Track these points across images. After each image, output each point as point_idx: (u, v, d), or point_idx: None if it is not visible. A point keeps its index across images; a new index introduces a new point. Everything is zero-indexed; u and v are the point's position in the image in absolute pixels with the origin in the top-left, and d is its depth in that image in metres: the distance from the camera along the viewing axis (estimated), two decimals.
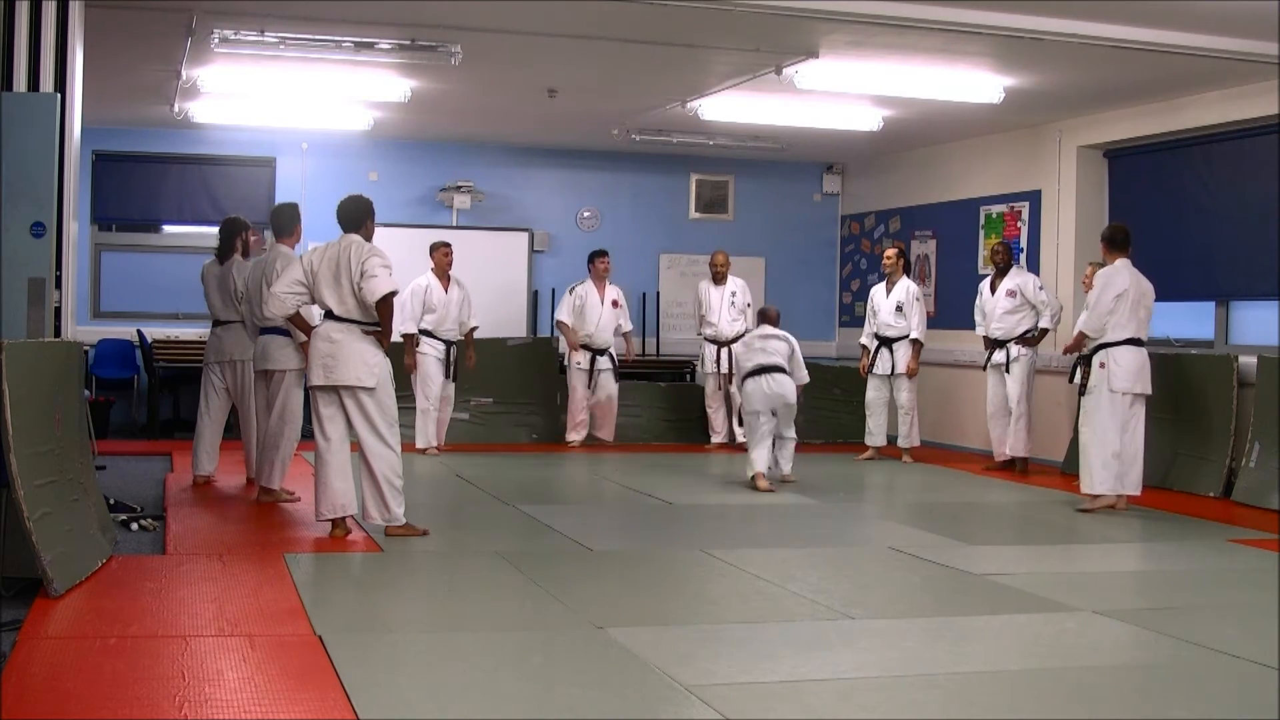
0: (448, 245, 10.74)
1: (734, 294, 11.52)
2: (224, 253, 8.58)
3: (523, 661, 4.61)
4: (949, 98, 9.55)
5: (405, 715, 3.90)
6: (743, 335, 10.29)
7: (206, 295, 8.63)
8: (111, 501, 7.21)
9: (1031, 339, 10.15)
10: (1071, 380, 8.88)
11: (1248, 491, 8.63)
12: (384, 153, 12.65)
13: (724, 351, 11.31)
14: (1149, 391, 8.22)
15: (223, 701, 3.97)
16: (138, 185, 12.32)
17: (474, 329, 10.78)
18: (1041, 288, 10.16)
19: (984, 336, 10.43)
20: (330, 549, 6.57)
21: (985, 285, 10.50)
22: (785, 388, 8.90)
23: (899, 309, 10.80)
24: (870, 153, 13.09)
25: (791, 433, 9.18)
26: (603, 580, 6.03)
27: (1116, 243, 8.29)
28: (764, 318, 9.41)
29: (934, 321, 11.56)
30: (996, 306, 10.23)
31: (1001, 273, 10.33)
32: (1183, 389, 9.25)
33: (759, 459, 8.91)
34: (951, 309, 11.93)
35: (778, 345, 9.04)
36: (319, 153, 12.45)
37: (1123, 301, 8.10)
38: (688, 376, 12.89)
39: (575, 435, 11.41)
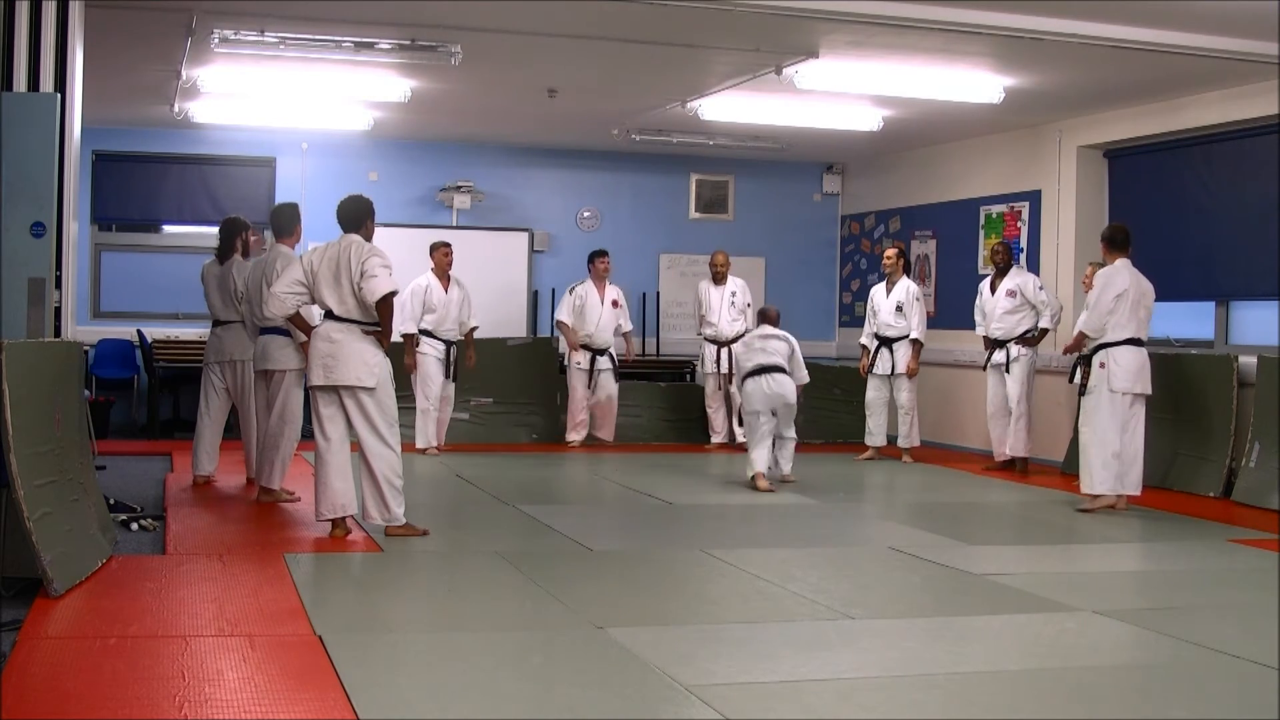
0: (448, 245, 10.74)
1: (734, 294, 11.51)
2: (224, 253, 8.58)
3: (523, 661, 4.61)
4: (949, 98, 9.55)
5: (405, 715, 3.90)
6: (743, 335, 10.29)
7: (206, 295, 8.63)
8: (111, 501, 7.21)
9: (1031, 339, 10.15)
10: (1071, 380, 8.88)
11: (1248, 491, 8.63)
12: (384, 153, 12.66)
13: (724, 351, 11.32)
14: (1149, 391, 8.23)
15: (223, 701, 3.97)
16: (138, 185, 12.32)
17: (474, 329, 10.78)
18: (1041, 288, 10.16)
19: (984, 336, 10.44)
20: (330, 549, 6.57)
21: (985, 285, 10.50)
22: (785, 388, 8.90)
23: (899, 309, 10.80)
24: (870, 153, 13.09)
25: (791, 433, 9.18)
26: (603, 580, 6.03)
27: (1116, 243, 8.29)
28: (764, 317, 9.42)
29: (934, 321, 11.56)
30: (997, 307, 10.23)
31: (1002, 273, 10.33)
32: (1183, 389, 9.25)
33: (759, 459, 8.91)
34: (951, 309, 11.94)
35: (778, 345, 9.05)
36: (319, 153, 12.45)
37: (1123, 301, 8.10)
38: (688, 376, 12.89)
39: (575, 435, 11.41)
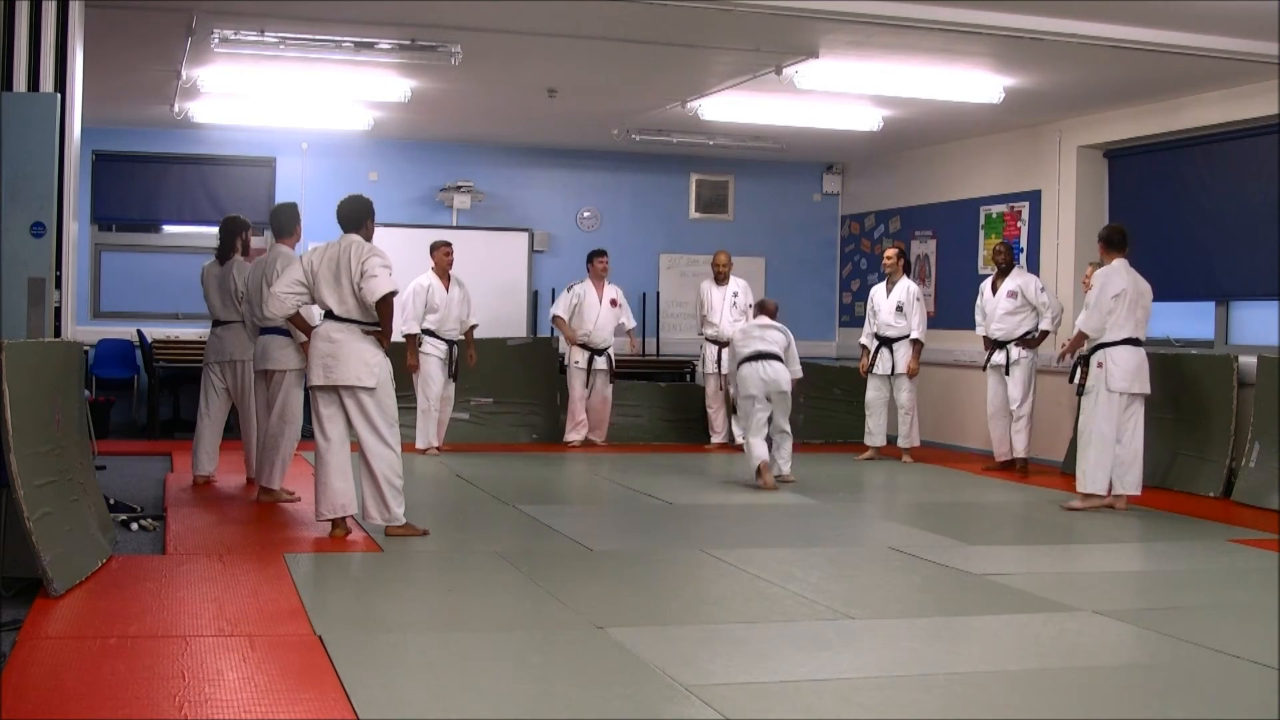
0: (448, 244, 10.74)
1: (736, 294, 11.51)
2: (224, 253, 8.57)
3: (523, 661, 4.61)
4: (949, 98, 9.55)
5: (405, 715, 3.90)
6: None
7: (206, 295, 8.63)
8: (111, 501, 7.21)
9: (1032, 341, 10.15)
10: (1071, 380, 8.88)
11: (1248, 491, 8.63)
12: (384, 153, 12.66)
13: (725, 352, 11.32)
14: (1147, 391, 8.23)
15: (223, 701, 3.98)
16: (138, 185, 12.32)
17: (474, 327, 10.79)
18: (1043, 289, 10.15)
19: (984, 337, 10.43)
20: (330, 549, 6.57)
21: (986, 285, 10.49)
22: (780, 374, 8.97)
23: (899, 309, 10.80)
24: (870, 153, 13.09)
25: (787, 429, 9.20)
26: (603, 580, 6.03)
27: (1114, 243, 8.29)
28: (762, 309, 9.54)
29: (934, 321, 11.56)
30: (997, 307, 10.22)
31: (1003, 273, 10.32)
32: (1183, 389, 9.25)
33: (759, 447, 8.95)
34: (951, 309, 11.94)
35: (775, 335, 9.15)
36: (319, 153, 12.45)
37: (1121, 301, 8.11)
38: (688, 376, 12.89)
39: (575, 435, 11.41)
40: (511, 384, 11.76)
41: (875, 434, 10.98)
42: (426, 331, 10.50)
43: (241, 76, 9.33)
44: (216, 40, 7.93)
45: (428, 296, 10.48)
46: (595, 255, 11.53)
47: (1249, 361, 8.91)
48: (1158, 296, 8.44)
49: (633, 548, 6.90)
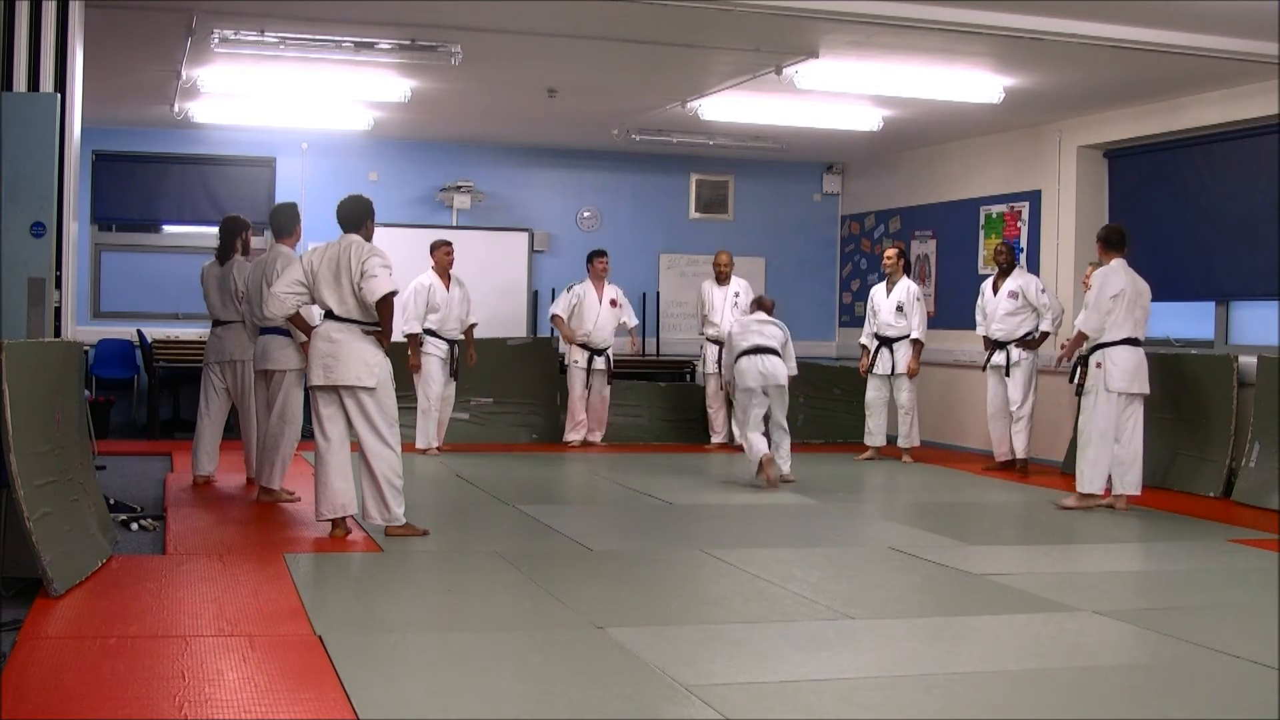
0: (449, 244, 10.74)
1: (737, 294, 11.51)
2: (224, 253, 8.57)
3: (523, 661, 4.61)
4: (949, 98, 9.55)
5: (405, 715, 3.90)
6: None
7: (205, 295, 8.63)
8: (111, 501, 7.21)
9: (1032, 342, 10.14)
10: (1071, 380, 8.87)
11: (1248, 491, 8.63)
12: (384, 153, 12.66)
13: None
14: (1146, 391, 8.23)
15: (223, 701, 3.98)
16: (138, 185, 12.32)
17: (474, 326, 10.79)
18: (1044, 290, 10.14)
19: (984, 337, 10.43)
20: (330, 549, 6.57)
21: (987, 285, 10.48)
22: (779, 369, 9.03)
23: (899, 309, 10.80)
24: (870, 153, 13.09)
25: (785, 427, 9.22)
26: (603, 580, 6.03)
27: (1112, 243, 8.30)
28: (759, 305, 9.62)
29: (934, 321, 11.56)
30: (998, 308, 10.22)
31: (1004, 273, 10.31)
32: (1183, 389, 9.25)
33: (759, 442, 8.99)
34: (951, 309, 11.94)
35: (773, 331, 9.22)
36: (319, 153, 12.45)
37: (1119, 301, 8.11)
38: (688, 376, 12.89)
39: (575, 435, 11.41)
40: (511, 384, 11.76)
41: (875, 434, 10.98)
42: (428, 331, 10.50)
43: (241, 76, 9.33)
44: (216, 40, 7.93)
45: (429, 296, 10.48)
46: (595, 255, 11.53)
47: (1249, 361, 8.91)
48: (1158, 296, 8.44)
49: (633, 548, 6.90)
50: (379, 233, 7.17)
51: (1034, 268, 10.88)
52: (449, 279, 10.61)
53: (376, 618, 5.21)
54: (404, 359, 10.15)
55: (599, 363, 11.39)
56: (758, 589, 5.79)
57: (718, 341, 11.46)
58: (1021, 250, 11.10)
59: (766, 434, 9.13)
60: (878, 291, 11.05)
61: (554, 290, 12.28)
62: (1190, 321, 10.09)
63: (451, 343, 10.61)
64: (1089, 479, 8.15)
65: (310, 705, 3.95)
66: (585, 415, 11.45)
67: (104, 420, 11.15)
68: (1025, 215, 11.28)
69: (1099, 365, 8.15)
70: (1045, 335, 10.14)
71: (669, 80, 9.61)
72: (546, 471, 10.12)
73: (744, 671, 4.48)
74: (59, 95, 6.32)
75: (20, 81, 6.34)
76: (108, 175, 12.12)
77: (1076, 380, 8.58)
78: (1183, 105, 9.65)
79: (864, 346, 11.09)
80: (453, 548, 6.70)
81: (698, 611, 5.50)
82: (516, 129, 12.05)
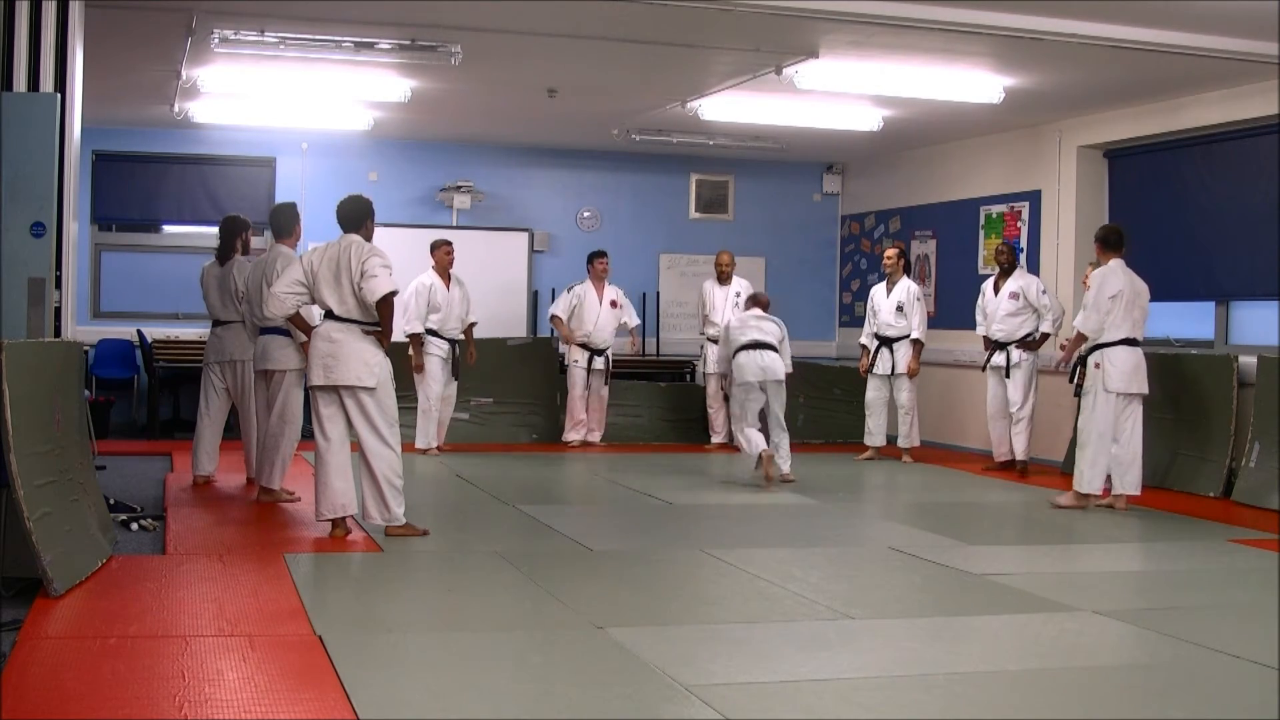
0: (449, 244, 10.74)
1: (738, 294, 11.48)
2: (224, 253, 8.56)
3: (523, 661, 4.61)
4: (949, 98, 9.55)
5: (405, 715, 3.90)
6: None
7: (205, 296, 8.63)
8: (111, 501, 7.21)
9: (1032, 343, 10.14)
10: (1071, 380, 8.87)
11: (1248, 491, 8.63)
12: (384, 153, 12.66)
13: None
14: (1145, 391, 8.23)
15: (223, 701, 3.98)
16: (138, 185, 12.32)
17: (473, 324, 10.79)
18: (1045, 291, 10.13)
19: (984, 337, 10.43)
20: (330, 549, 6.57)
21: (988, 285, 10.47)
22: (777, 364, 9.10)
23: (899, 309, 10.79)
24: (870, 153, 13.09)
25: (784, 425, 9.24)
26: (603, 580, 6.03)
27: (1110, 243, 8.30)
28: (755, 302, 9.67)
29: (934, 321, 11.56)
30: (999, 308, 10.21)
31: (1005, 273, 10.30)
32: (1182, 389, 9.25)
33: (757, 437, 9.03)
34: (951, 309, 11.94)
35: (771, 327, 9.28)
36: (319, 153, 12.45)
37: (1117, 302, 8.11)
38: (688, 376, 12.89)
39: (574, 435, 11.41)
40: (511, 384, 11.76)
41: (875, 434, 10.98)
42: (429, 331, 10.49)
43: (241, 76, 9.33)
44: (216, 40, 7.93)
45: (430, 296, 10.48)
46: (595, 256, 11.53)
47: (1249, 361, 8.92)
48: (1158, 296, 8.43)
49: (633, 548, 6.90)
50: (379, 233, 7.17)
51: (1034, 268, 10.88)
52: (449, 278, 10.61)
53: (376, 618, 5.21)
54: (404, 359, 10.16)
55: (598, 363, 11.39)
56: (758, 589, 5.79)
57: (718, 341, 11.47)
58: (1021, 250, 11.10)
59: (764, 433, 9.15)
60: (878, 291, 11.05)
61: (554, 290, 12.28)
62: (1190, 321, 10.09)
63: (452, 342, 10.61)
64: (1087, 479, 8.16)
65: (310, 705, 3.95)
66: (585, 415, 11.44)
67: (104, 420, 11.15)
68: (1025, 215, 11.28)
69: (1097, 366, 8.16)
70: (1046, 336, 10.13)
71: (669, 80, 9.61)
72: (546, 471, 10.12)
73: (744, 671, 4.48)
74: (59, 95, 6.32)
75: (20, 81, 6.34)
76: (108, 175, 12.12)
77: (1075, 381, 8.58)
78: (1183, 105, 9.65)
79: (864, 346, 11.09)
80: (453, 548, 6.70)
81: (698, 611, 5.50)
82: (516, 129, 12.05)
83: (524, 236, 13.01)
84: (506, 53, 8.70)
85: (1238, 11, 7.29)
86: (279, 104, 10.54)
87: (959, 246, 12.07)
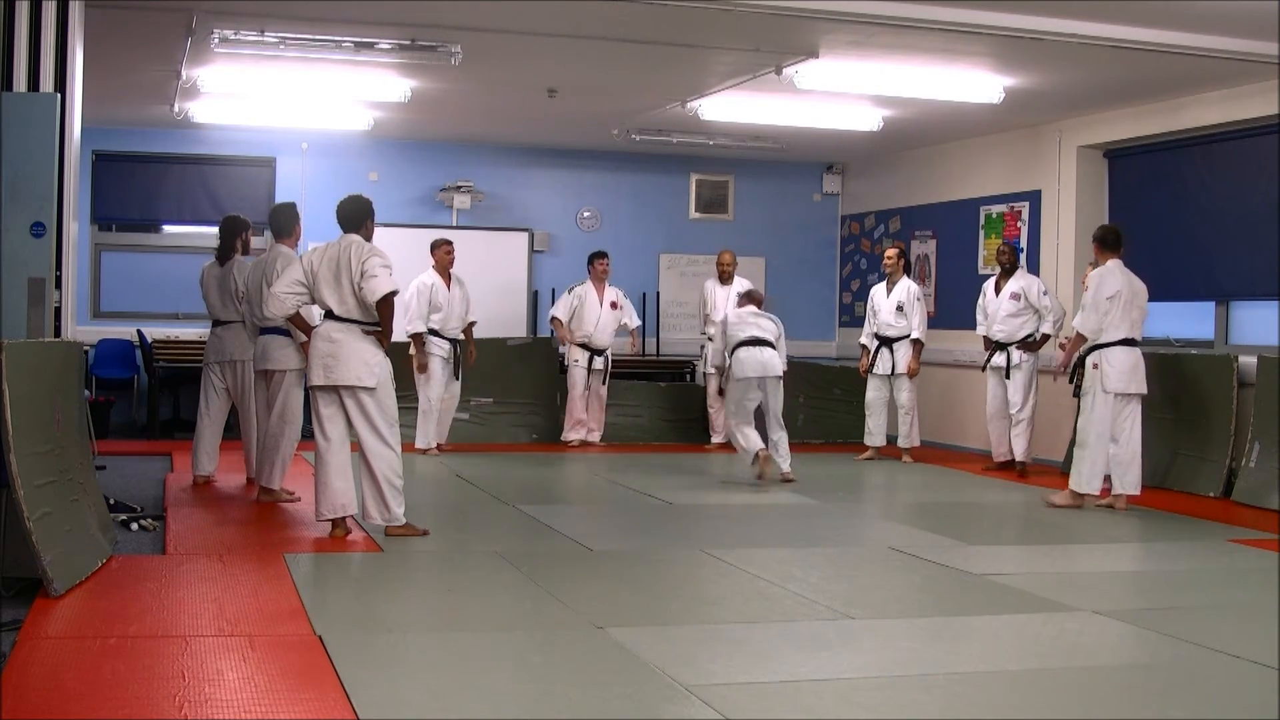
0: (449, 243, 10.74)
1: (740, 294, 11.50)
2: (224, 253, 8.56)
3: (523, 661, 4.61)
4: (949, 98, 9.55)
5: (405, 715, 3.90)
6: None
7: (205, 296, 8.62)
8: (111, 501, 7.21)
9: (1033, 344, 10.13)
10: (1070, 381, 8.87)
11: (1248, 491, 8.64)
12: (384, 153, 12.66)
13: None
14: (1144, 391, 8.24)
15: (223, 701, 3.98)
16: (138, 185, 12.32)
17: (473, 324, 10.79)
18: (1045, 293, 10.11)
19: (984, 337, 10.42)
20: (330, 549, 6.57)
21: (989, 285, 10.46)
22: (775, 361, 9.16)
23: (899, 309, 10.79)
24: (870, 153, 13.09)
25: (782, 424, 9.25)
26: (603, 580, 6.03)
27: (1108, 243, 8.30)
28: (750, 299, 9.73)
29: (934, 321, 11.56)
30: (1000, 309, 10.20)
31: (1007, 274, 10.29)
32: (1182, 389, 9.25)
33: (754, 437, 9.04)
34: (951, 309, 11.94)
35: (769, 324, 9.33)
36: (319, 153, 12.45)
37: (1115, 302, 8.12)
38: (688, 376, 12.89)
39: (574, 434, 11.41)
40: (511, 384, 11.76)
41: (875, 434, 10.98)
42: (430, 331, 10.49)
43: (241, 76, 9.33)
44: (216, 40, 7.93)
45: (431, 295, 10.48)
46: (596, 257, 11.53)
47: (1249, 361, 8.92)
48: (1158, 296, 8.43)
49: (633, 548, 6.90)
50: (379, 233, 7.17)
51: (1034, 268, 10.88)
52: (450, 278, 10.61)
53: (376, 618, 5.21)
54: (405, 359, 10.16)
55: (597, 363, 11.39)
56: (758, 589, 5.79)
57: (715, 335, 11.48)
58: (1021, 250, 11.10)
59: (761, 431, 9.17)
60: (878, 291, 11.05)
61: (554, 290, 12.28)
62: (1190, 321, 10.09)
63: (453, 342, 10.61)
64: (1085, 479, 8.16)
65: (310, 705, 3.96)
66: (585, 415, 11.44)
67: (104, 420, 11.15)
68: (1025, 215, 11.28)
69: (1095, 366, 8.16)
70: (1046, 338, 10.12)
71: (669, 80, 9.61)
72: (546, 471, 10.12)
73: (744, 671, 4.48)
74: (59, 95, 6.32)
75: (20, 81, 6.34)
76: (108, 175, 12.12)
77: (1074, 381, 8.58)
78: (1183, 105, 9.65)
79: (864, 346, 11.09)
80: (453, 548, 6.70)
81: (698, 611, 5.50)
82: (516, 129, 12.05)
83: (524, 236, 13.01)
84: (506, 53, 8.70)
85: (1238, 11, 7.29)
86: (279, 104, 10.54)
87: (959, 246, 12.07)
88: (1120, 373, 8.11)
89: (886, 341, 10.87)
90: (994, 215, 11.67)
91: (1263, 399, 8.67)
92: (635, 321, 11.72)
